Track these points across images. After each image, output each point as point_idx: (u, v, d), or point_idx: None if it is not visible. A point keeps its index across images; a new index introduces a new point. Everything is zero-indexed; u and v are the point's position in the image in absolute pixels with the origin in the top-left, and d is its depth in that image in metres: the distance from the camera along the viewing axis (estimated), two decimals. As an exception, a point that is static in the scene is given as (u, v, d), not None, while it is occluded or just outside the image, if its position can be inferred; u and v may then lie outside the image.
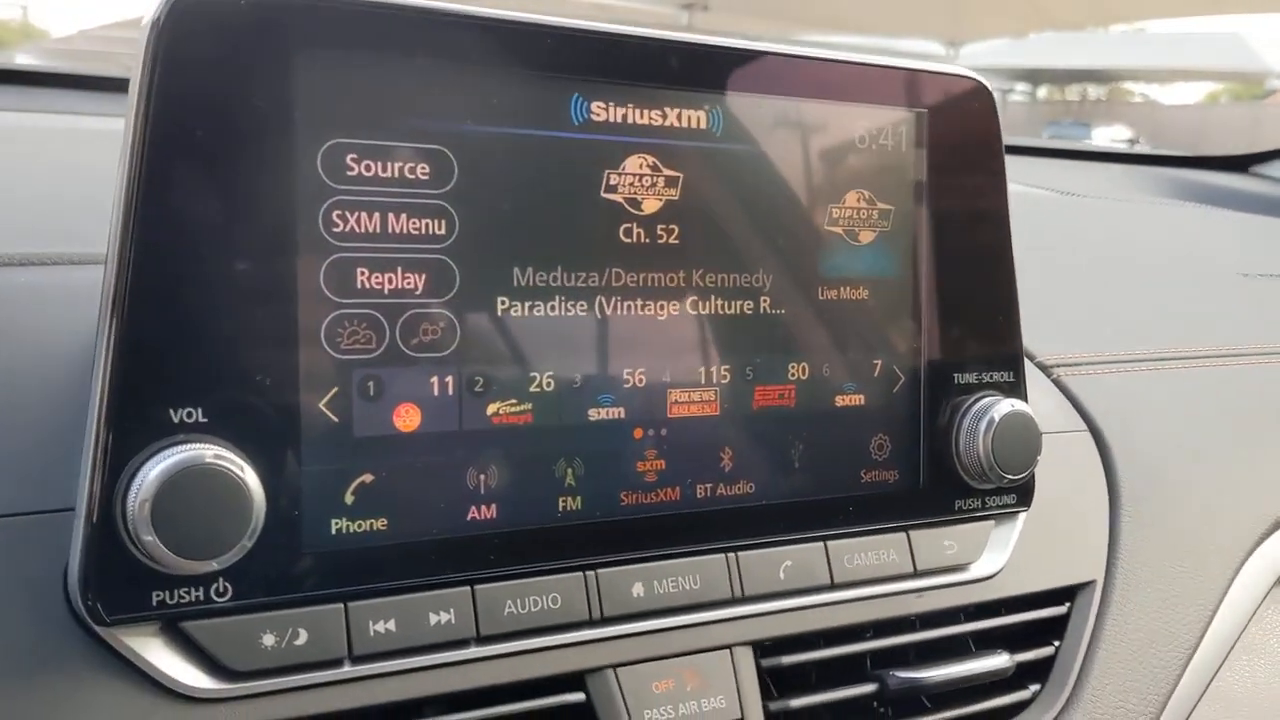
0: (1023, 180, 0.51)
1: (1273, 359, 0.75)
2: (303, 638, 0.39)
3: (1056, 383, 0.63)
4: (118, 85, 0.83)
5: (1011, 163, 0.54)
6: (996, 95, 0.53)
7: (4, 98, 0.79)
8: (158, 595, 0.36)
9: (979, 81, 0.52)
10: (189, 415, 0.37)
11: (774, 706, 0.47)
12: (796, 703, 0.47)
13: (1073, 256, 0.79)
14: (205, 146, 0.37)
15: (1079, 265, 0.78)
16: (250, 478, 0.37)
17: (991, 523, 0.54)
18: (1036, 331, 0.64)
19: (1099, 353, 0.67)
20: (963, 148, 0.52)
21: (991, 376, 0.53)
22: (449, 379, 0.42)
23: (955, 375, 0.52)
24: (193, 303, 0.37)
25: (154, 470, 0.35)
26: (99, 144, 0.61)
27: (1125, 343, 0.70)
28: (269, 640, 0.38)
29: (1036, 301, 0.54)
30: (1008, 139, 0.53)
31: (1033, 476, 0.53)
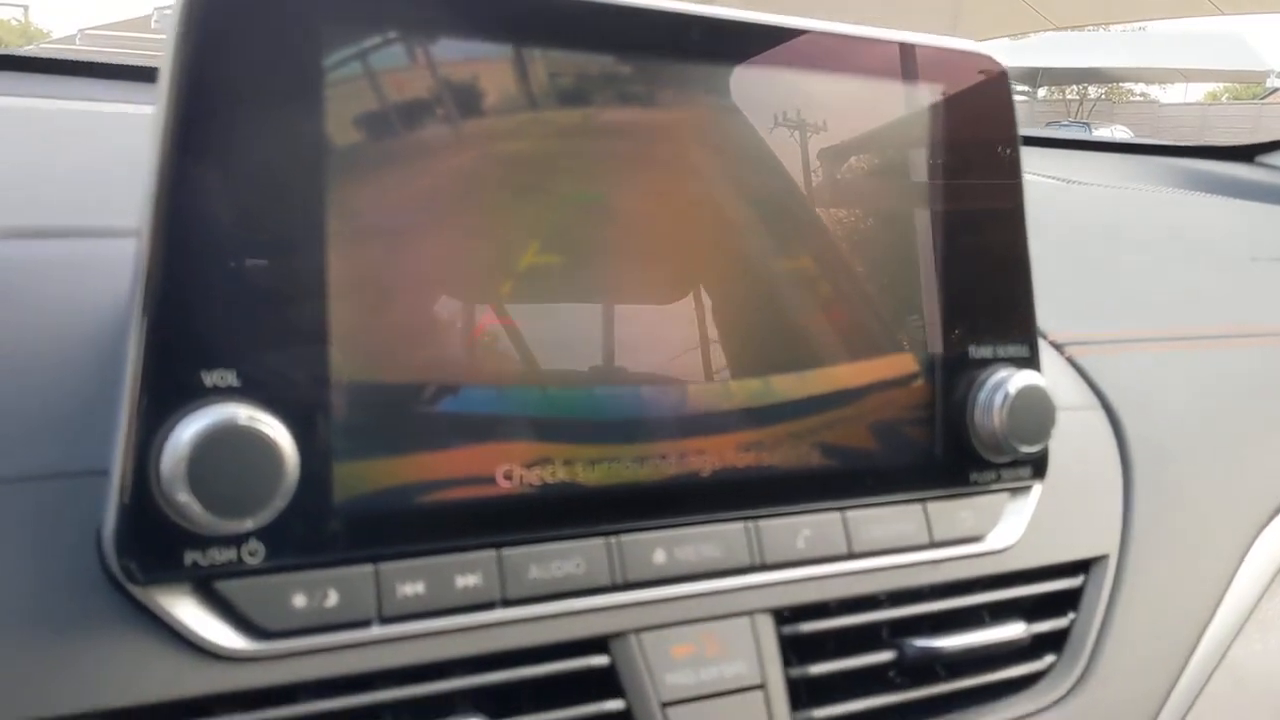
0: (1027, 169, 0.51)
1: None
2: (333, 598, 0.39)
3: (1070, 361, 0.64)
4: (142, 74, 0.84)
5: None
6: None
7: (30, 84, 0.79)
8: (191, 556, 0.37)
9: (992, 58, 0.52)
10: (222, 379, 0.37)
11: (793, 673, 0.47)
12: (816, 669, 0.48)
13: (1079, 239, 0.80)
14: (235, 121, 0.38)
15: (1086, 248, 0.79)
16: (283, 439, 0.37)
17: (1007, 495, 0.54)
18: (1048, 311, 0.64)
19: (1111, 331, 0.68)
20: (977, 124, 0.52)
21: (1006, 351, 0.53)
22: (476, 346, 0.42)
23: (970, 349, 0.52)
24: (224, 269, 0.38)
25: (188, 431, 0.36)
26: (126, 127, 0.62)
27: (1138, 322, 0.70)
28: (300, 600, 0.39)
29: (1046, 282, 0.55)
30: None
31: (1047, 449, 0.54)
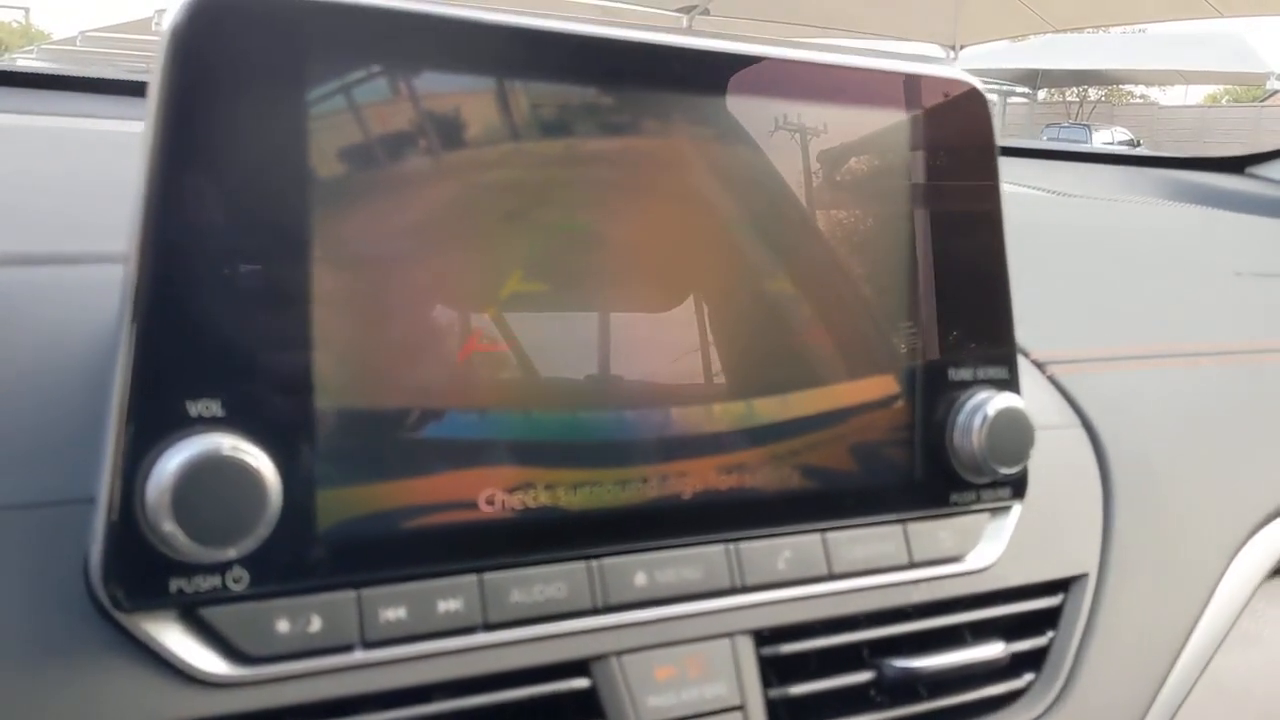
0: (1015, 180, 0.52)
1: (1267, 356, 0.76)
2: (316, 624, 0.40)
3: (1050, 379, 0.65)
4: (130, 89, 0.84)
5: (1004, 164, 0.55)
6: (995, 99, 0.54)
7: (16, 100, 0.80)
8: (176, 583, 0.38)
9: (972, 84, 0.53)
10: (206, 409, 0.38)
11: (774, 694, 0.48)
12: (796, 690, 0.48)
13: (1065, 254, 0.80)
14: (221, 151, 0.38)
15: (1072, 263, 0.79)
16: (266, 469, 0.38)
17: (986, 515, 0.55)
18: (1029, 329, 0.65)
19: (1093, 350, 0.69)
20: (957, 150, 0.53)
21: (986, 373, 0.54)
22: (458, 374, 0.43)
23: (950, 372, 0.53)
24: (210, 301, 0.38)
25: (173, 461, 0.37)
26: (115, 144, 0.62)
27: (1119, 340, 0.71)
28: (284, 626, 0.39)
29: (1029, 299, 0.55)
30: (1001, 141, 0.54)
31: (1026, 470, 0.54)
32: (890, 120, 0.52)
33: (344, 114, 0.41)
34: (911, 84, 0.52)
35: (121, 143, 0.63)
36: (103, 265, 0.46)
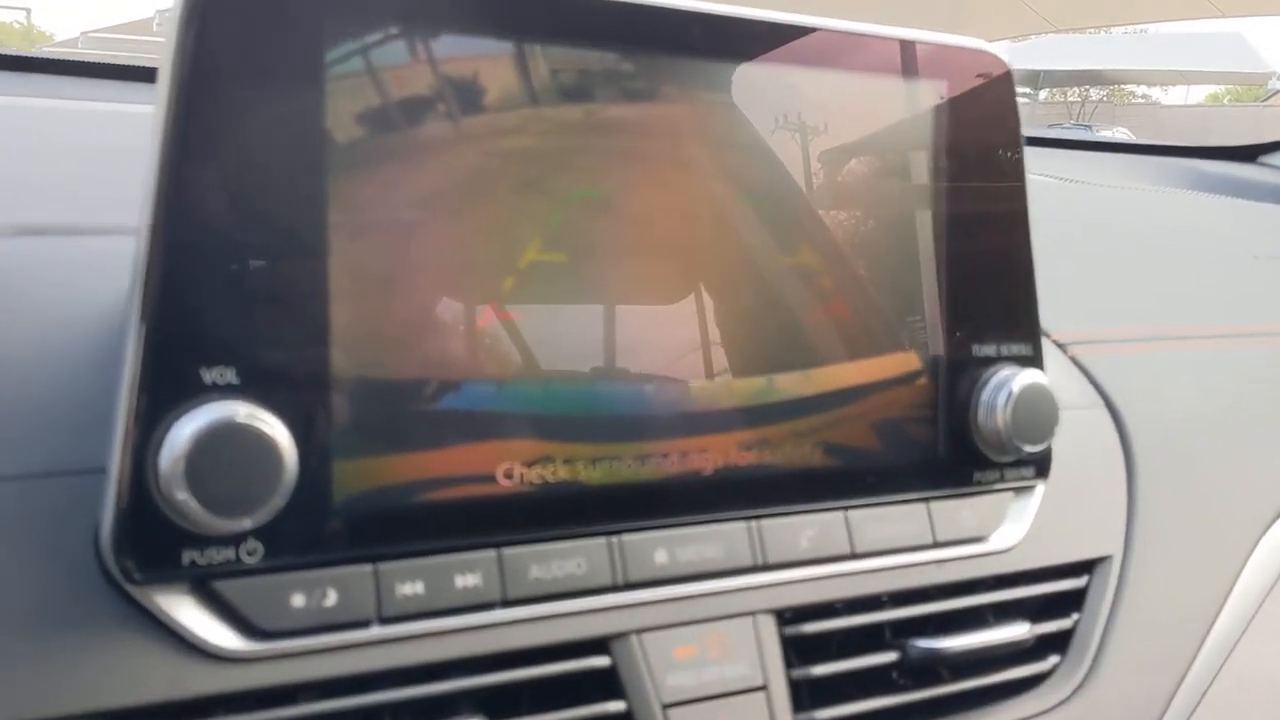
0: (1029, 169, 0.51)
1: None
2: (332, 598, 0.39)
3: (1073, 360, 0.64)
4: (140, 74, 0.84)
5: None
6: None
7: (30, 84, 0.79)
8: (189, 555, 0.37)
9: (995, 54, 0.52)
10: (221, 376, 0.37)
11: (796, 674, 0.47)
12: (818, 670, 0.47)
13: (1082, 239, 0.79)
14: (234, 118, 0.37)
15: (1088, 247, 0.78)
16: (282, 437, 0.37)
17: (1010, 495, 0.54)
18: (1050, 310, 0.64)
19: (1115, 330, 0.68)
20: (980, 124, 0.52)
21: (1009, 350, 0.53)
22: (473, 349, 0.42)
23: (974, 348, 0.52)
24: (224, 266, 0.37)
25: (186, 429, 0.36)
26: (123, 126, 0.62)
27: (1141, 321, 0.70)
28: (299, 600, 0.38)
29: (1049, 281, 0.54)
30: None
31: (1050, 449, 0.53)
32: (914, 91, 0.51)
33: (359, 80, 0.40)
34: (935, 54, 0.51)
35: (126, 123, 0.62)
36: (112, 237, 0.45)
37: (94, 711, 0.36)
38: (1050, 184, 0.98)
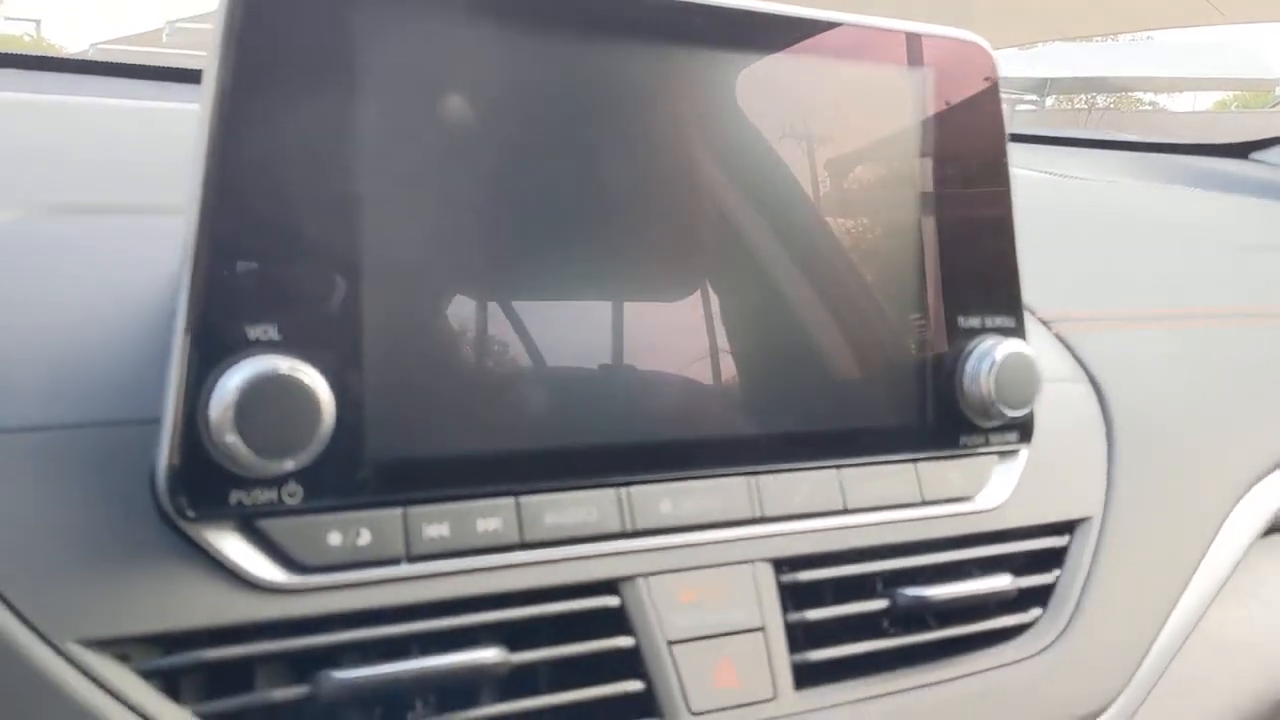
0: (1024, 166, 0.54)
1: (1268, 320, 0.78)
2: (365, 537, 0.43)
3: (1057, 336, 0.67)
4: (172, 75, 0.88)
5: (1010, 150, 0.57)
6: (1005, 104, 0.57)
7: (85, 84, 0.84)
8: (236, 495, 0.40)
9: (976, 41, 0.56)
10: (264, 333, 0.41)
11: (791, 618, 0.51)
12: (813, 615, 0.51)
13: (1071, 227, 0.83)
14: (276, 99, 0.41)
15: (1077, 235, 0.82)
16: (321, 388, 0.40)
17: (995, 458, 0.57)
18: (1037, 290, 0.68)
19: (1098, 310, 0.71)
20: (964, 106, 0.56)
21: (994, 321, 0.56)
22: (494, 312, 0.46)
23: (959, 320, 0.56)
24: (265, 237, 0.41)
25: (234, 380, 0.39)
26: (153, 120, 0.66)
27: (1125, 301, 0.73)
28: (335, 539, 0.42)
29: (1036, 265, 0.58)
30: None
31: (1032, 414, 0.57)
32: (899, 76, 0.54)
33: (389, 64, 0.44)
34: (918, 42, 0.54)
35: (156, 119, 0.66)
36: (162, 216, 0.49)
37: (152, 633, 0.40)
38: (1043, 179, 1.01)
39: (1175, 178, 1.20)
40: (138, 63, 0.85)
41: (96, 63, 0.88)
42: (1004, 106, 0.57)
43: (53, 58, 0.88)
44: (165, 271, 0.46)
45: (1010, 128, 0.58)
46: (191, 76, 0.82)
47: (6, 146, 0.57)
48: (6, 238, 0.47)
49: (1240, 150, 1.33)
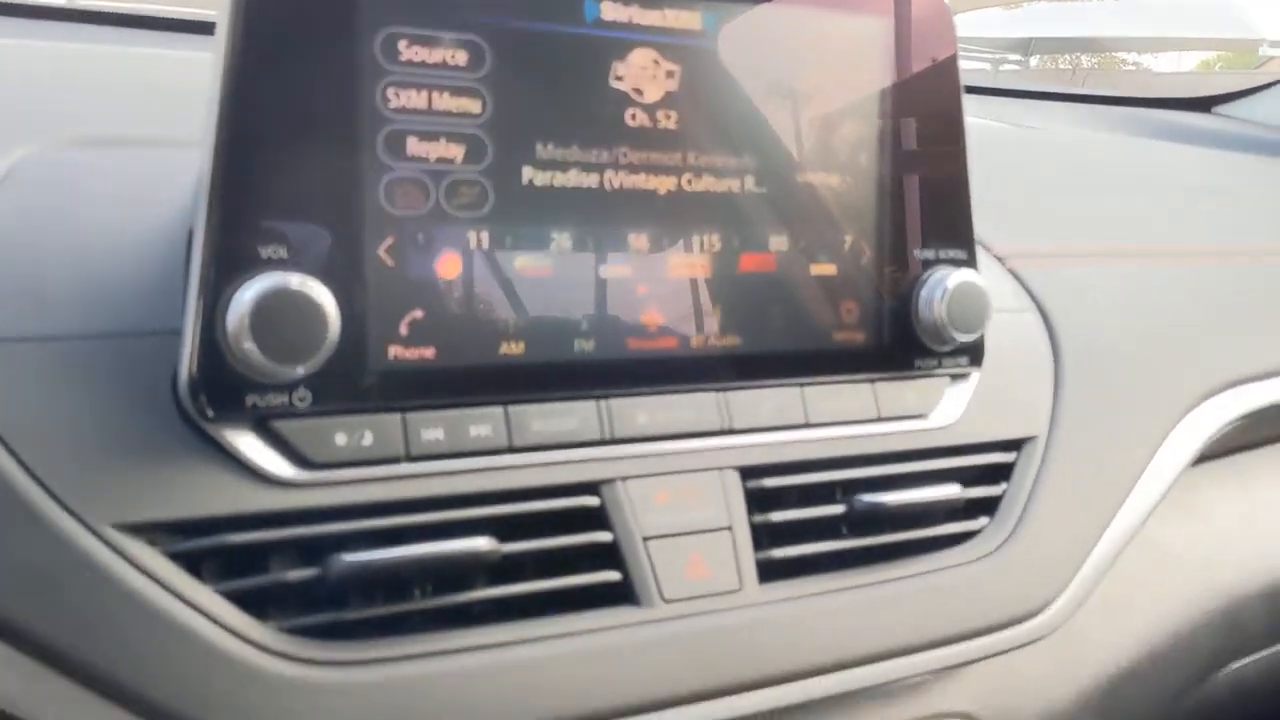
0: (980, 114, 0.58)
1: (1212, 259, 0.83)
2: (368, 438, 0.47)
3: (1010, 271, 0.72)
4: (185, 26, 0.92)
5: (970, 101, 0.61)
6: (988, 65, 0.61)
7: (93, 32, 0.87)
8: (251, 398, 0.45)
9: None
10: (275, 252, 0.45)
11: (756, 520, 0.55)
12: (776, 517, 0.56)
13: (1027, 171, 0.87)
14: (285, 36, 0.45)
15: (1032, 176, 0.86)
16: (327, 302, 0.45)
17: (948, 380, 0.62)
18: (991, 228, 0.72)
19: (1050, 246, 0.76)
20: (922, 51, 0.60)
21: (947, 253, 0.61)
22: (484, 235, 0.50)
23: (915, 251, 0.60)
24: (276, 163, 0.45)
25: (249, 292, 0.43)
26: (172, 66, 0.69)
27: (1077, 239, 0.78)
28: (341, 439, 0.47)
29: (993, 205, 0.62)
30: (969, 82, 0.61)
31: (983, 339, 0.61)
32: (863, 22, 0.59)
33: (383, 3, 0.47)
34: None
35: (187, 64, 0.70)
36: (175, 149, 0.53)
37: (178, 520, 0.44)
38: (1004, 128, 1.06)
39: (1139, 131, 1.24)
40: (145, 14, 0.88)
41: (105, 13, 0.91)
42: (986, 65, 0.61)
43: (62, 8, 0.91)
44: (182, 199, 0.50)
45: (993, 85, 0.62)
46: (194, 27, 0.85)
47: (23, 86, 0.60)
48: (33, 167, 0.51)
49: (1203, 104, 1.37)
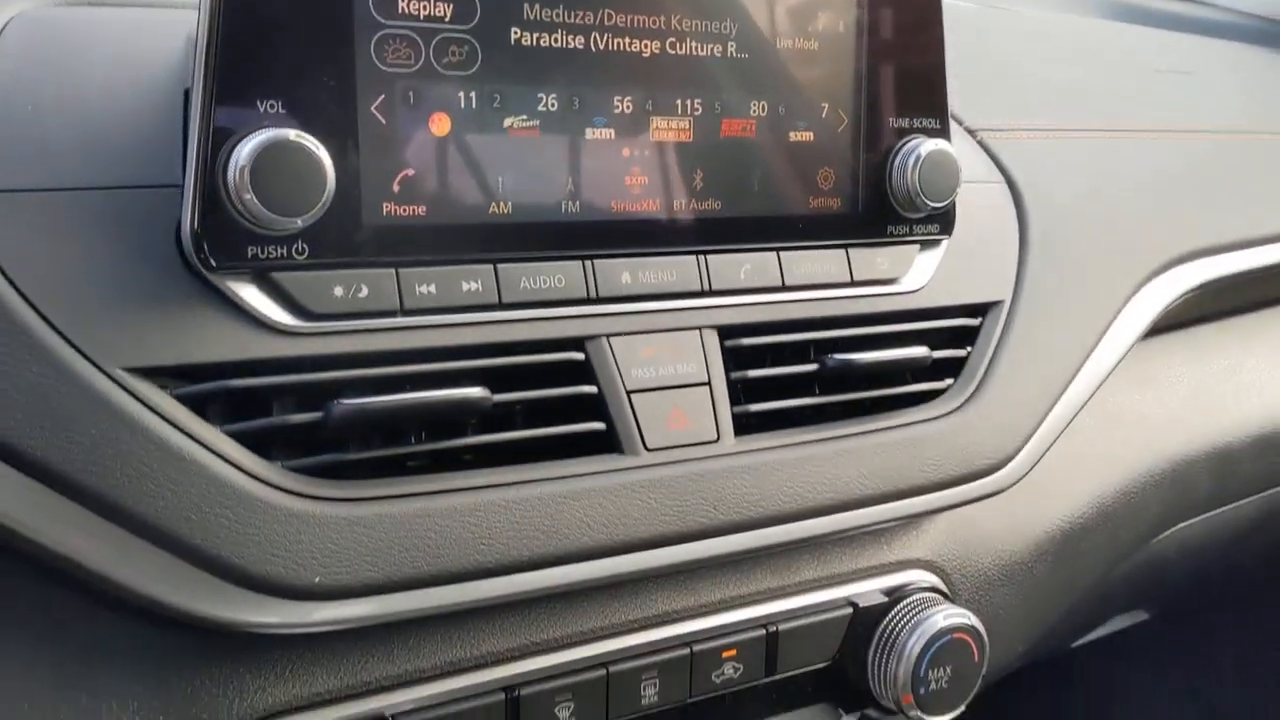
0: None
1: (1175, 135, 0.85)
2: (364, 291, 0.49)
3: (980, 144, 0.74)
4: None
5: None
6: None
7: None
8: (252, 249, 0.46)
9: None
10: (272, 106, 0.46)
11: (734, 376, 0.58)
12: (753, 374, 0.58)
13: (999, 50, 0.88)
14: None
15: (1005, 55, 0.87)
16: (323, 155, 0.46)
17: (918, 247, 0.64)
18: (964, 103, 0.74)
19: (1020, 121, 0.77)
20: None
21: (921, 124, 0.63)
22: (472, 94, 0.51)
23: (890, 120, 0.62)
24: (271, 20, 0.46)
25: (249, 145, 0.45)
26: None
27: (1044, 115, 0.80)
28: (339, 290, 0.48)
29: (967, 81, 0.63)
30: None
31: (954, 206, 0.64)
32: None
33: None
34: None
35: None
36: (175, 10, 0.54)
37: (185, 364, 0.46)
38: (975, 8, 1.06)
39: (1111, 14, 1.24)
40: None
41: None
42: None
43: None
44: (175, 57, 0.50)
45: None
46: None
47: None
48: (31, 24, 0.51)
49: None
